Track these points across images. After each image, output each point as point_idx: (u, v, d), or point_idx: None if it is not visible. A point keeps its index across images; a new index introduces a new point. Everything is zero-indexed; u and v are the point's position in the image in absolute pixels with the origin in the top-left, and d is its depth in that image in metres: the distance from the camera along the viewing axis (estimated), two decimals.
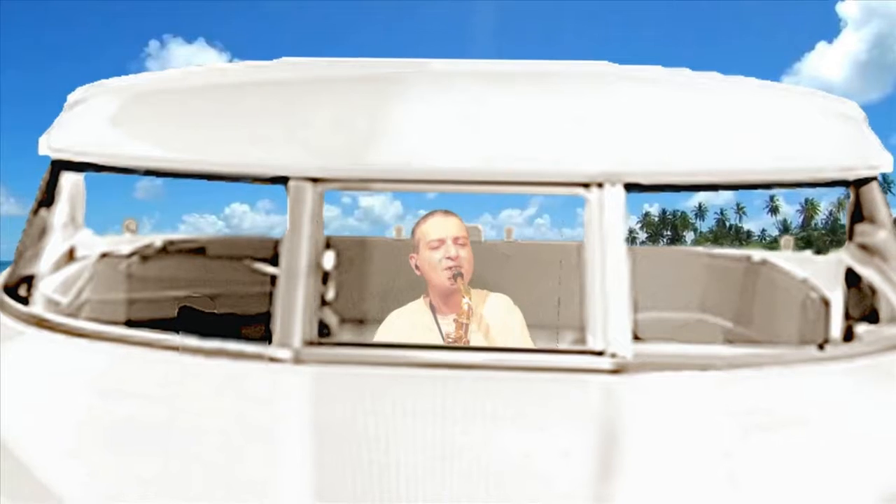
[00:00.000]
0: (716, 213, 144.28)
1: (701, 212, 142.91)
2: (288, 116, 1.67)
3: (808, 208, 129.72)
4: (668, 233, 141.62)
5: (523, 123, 1.64)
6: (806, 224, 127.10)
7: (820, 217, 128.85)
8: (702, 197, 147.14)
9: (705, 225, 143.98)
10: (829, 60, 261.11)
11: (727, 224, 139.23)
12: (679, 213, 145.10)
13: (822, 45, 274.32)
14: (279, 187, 1.58)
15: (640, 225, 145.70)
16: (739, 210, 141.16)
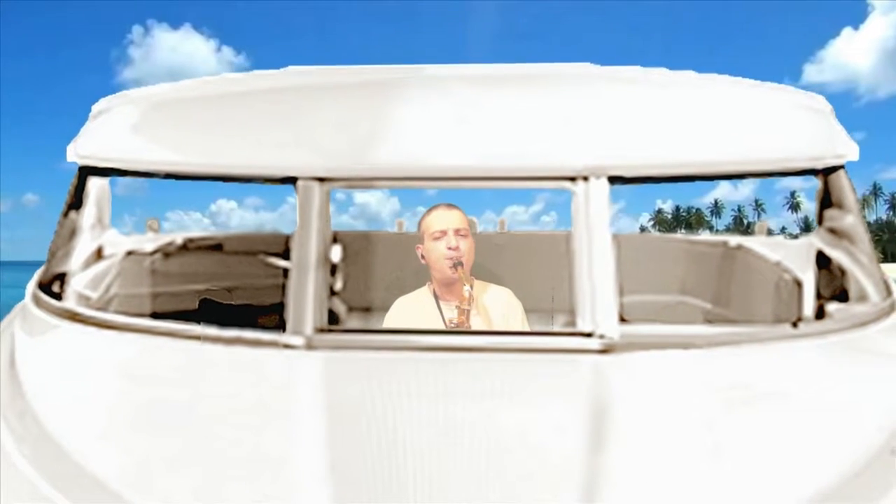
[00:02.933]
0: (733, 209, 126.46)
1: (717, 209, 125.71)
2: (295, 121, 1.68)
3: None
4: (682, 231, 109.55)
5: (513, 123, 1.64)
6: None
7: None
8: (718, 193, 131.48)
9: (722, 222, 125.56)
10: (856, 47, 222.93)
11: (745, 221, 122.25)
12: (694, 210, 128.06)
13: (847, 32, 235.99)
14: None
15: (651, 222, 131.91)
16: (758, 207, 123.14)
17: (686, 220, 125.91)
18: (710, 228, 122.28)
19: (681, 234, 2.93)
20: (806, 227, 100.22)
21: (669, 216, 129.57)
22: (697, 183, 1.66)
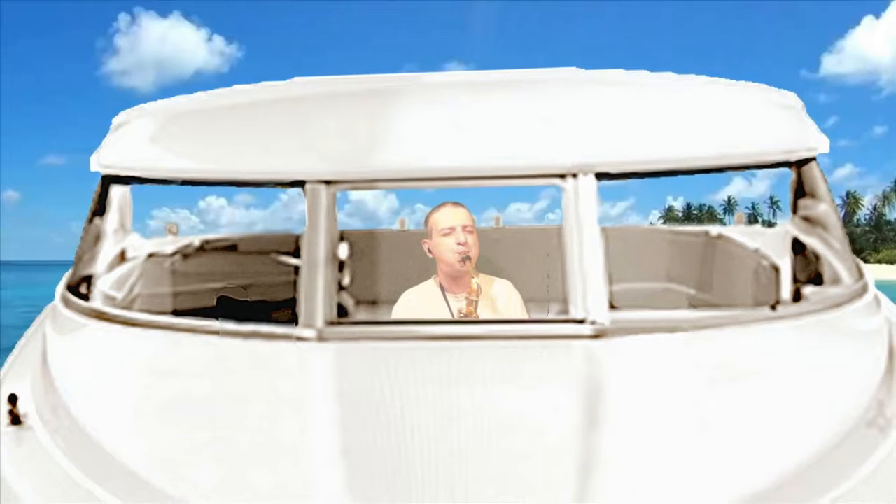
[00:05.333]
0: (747, 207, 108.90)
1: (730, 206, 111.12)
2: (302, 128, 1.69)
3: (850, 202, 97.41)
4: None
5: (505, 125, 1.66)
6: (847, 219, 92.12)
7: (863, 212, 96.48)
8: (732, 190, 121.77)
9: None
10: (877, 36, 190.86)
11: (760, 219, 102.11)
12: (706, 208, 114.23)
13: (868, 20, 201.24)
14: None
15: (662, 220, 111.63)
16: (773, 204, 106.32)
17: (698, 217, 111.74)
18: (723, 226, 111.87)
19: (665, 226, 2.93)
20: None
21: (681, 214, 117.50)
22: (710, 179, 1.68)
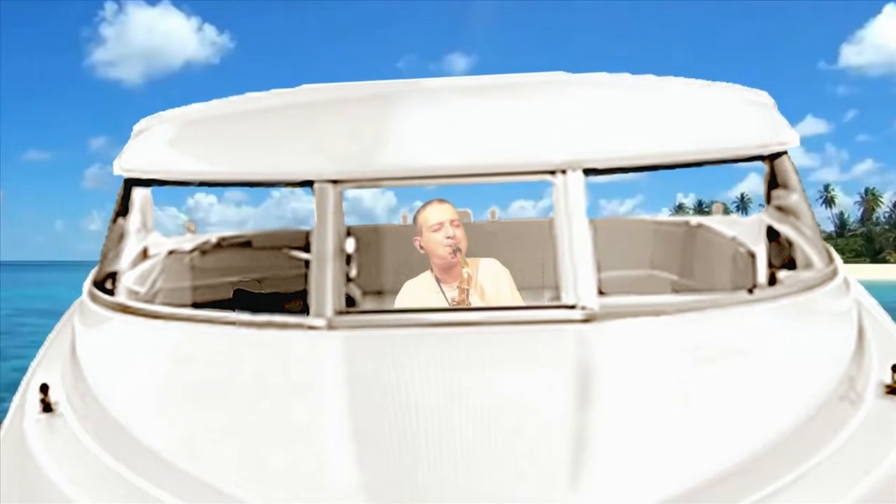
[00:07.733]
0: (760, 204, 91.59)
1: (743, 203, 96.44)
2: (310, 132, 1.71)
3: (869, 199, 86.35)
4: None
5: (499, 126, 1.68)
6: (866, 217, 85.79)
7: (882, 210, 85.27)
8: (745, 187, 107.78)
9: None
10: None
11: None
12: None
13: (890, 8, 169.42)
14: None
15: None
16: None
17: (708, 215, 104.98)
18: None
19: (649, 217, 2.97)
20: (841, 225, 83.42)
21: (691, 211, 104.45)
22: (723, 176, 1.66)
